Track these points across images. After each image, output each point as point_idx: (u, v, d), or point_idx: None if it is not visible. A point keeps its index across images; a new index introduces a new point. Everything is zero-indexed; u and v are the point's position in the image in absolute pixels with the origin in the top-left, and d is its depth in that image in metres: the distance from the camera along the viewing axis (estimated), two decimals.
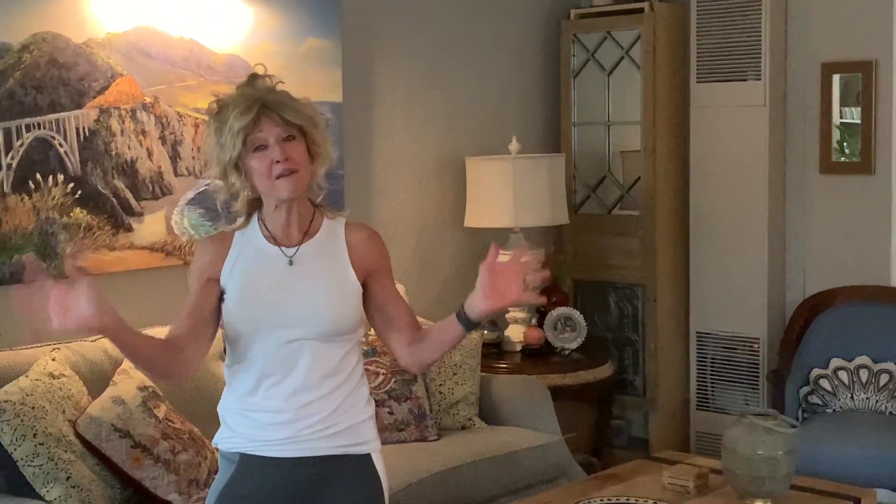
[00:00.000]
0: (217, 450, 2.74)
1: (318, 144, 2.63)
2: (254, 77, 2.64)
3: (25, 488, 3.36)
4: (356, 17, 5.03)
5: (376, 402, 2.87)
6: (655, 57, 5.58)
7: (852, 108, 5.35)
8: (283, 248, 2.66)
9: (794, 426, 3.70)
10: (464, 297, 5.46)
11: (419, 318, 4.84)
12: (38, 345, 3.80)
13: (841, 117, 5.39)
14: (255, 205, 2.69)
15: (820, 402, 4.99)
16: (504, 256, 5.45)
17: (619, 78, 5.77)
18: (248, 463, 2.66)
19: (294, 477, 2.66)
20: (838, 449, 4.48)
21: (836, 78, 5.35)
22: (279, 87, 2.63)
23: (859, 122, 5.32)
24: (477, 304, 2.55)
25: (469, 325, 2.60)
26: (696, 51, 5.56)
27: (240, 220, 2.73)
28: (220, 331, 2.72)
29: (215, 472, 3.52)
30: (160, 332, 4.05)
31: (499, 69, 5.71)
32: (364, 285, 2.71)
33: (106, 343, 3.90)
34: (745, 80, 5.43)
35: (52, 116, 4.04)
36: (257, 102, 2.54)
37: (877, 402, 4.90)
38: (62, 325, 2.28)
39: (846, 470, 4.30)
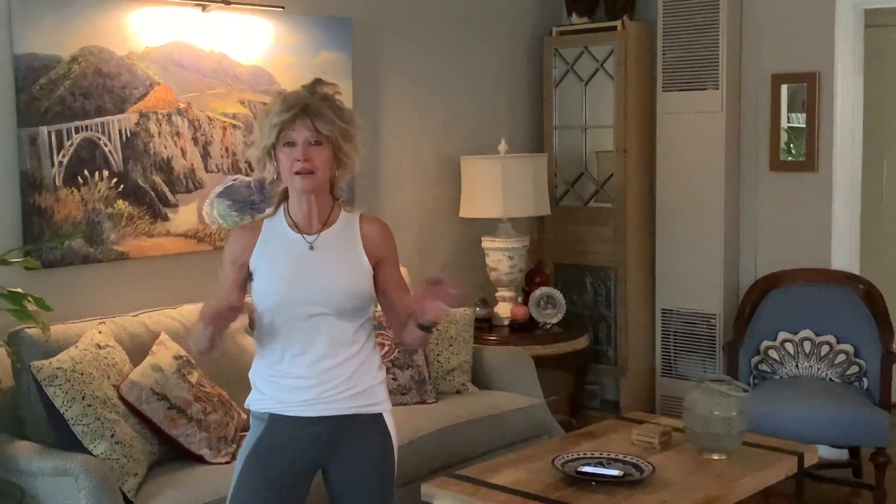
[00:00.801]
0: (249, 410, 2.75)
1: (347, 155, 2.65)
2: (317, 81, 2.67)
3: (75, 444, 3.36)
4: (364, 34, 5.02)
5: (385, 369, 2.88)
6: (626, 69, 5.58)
7: (798, 114, 5.35)
8: (305, 236, 2.68)
9: (745, 390, 3.70)
10: (458, 277, 5.52)
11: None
12: (86, 319, 3.82)
13: (788, 122, 5.39)
14: (285, 195, 2.71)
15: (769, 370, 5.00)
16: (491, 243, 5.50)
17: (594, 87, 5.76)
18: (276, 421, 2.68)
19: (316, 433, 2.68)
20: (784, 410, 4.49)
21: (784, 87, 5.35)
22: (334, 94, 2.65)
23: (804, 126, 5.32)
24: (417, 318, 2.63)
25: (424, 329, 2.68)
26: (661, 64, 5.56)
27: (268, 210, 2.75)
28: None
29: (242, 431, 3.56)
30: (194, 309, 4.10)
31: (489, 79, 5.71)
32: (373, 270, 2.73)
33: (144, 318, 3.93)
34: (704, 89, 5.43)
35: (98, 120, 4.04)
36: (299, 105, 2.57)
37: (818, 369, 4.91)
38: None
39: (791, 428, 4.31)
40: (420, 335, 2.72)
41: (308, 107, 2.57)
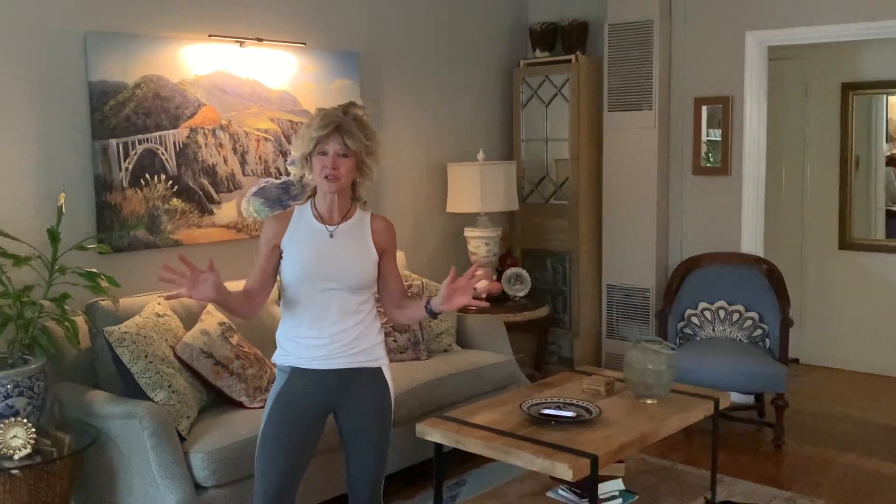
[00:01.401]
0: (275, 365, 2.76)
1: (368, 166, 2.68)
2: (351, 104, 2.69)
3: (140, 394, 3.37)
4: (369, 65, 5.01)
5: (385, 333, 2.89)
6: (579, 93, 5.58)
7: (715, 129, 5.36)
8: (327, 226, 2.70)
9: (673, 349, 3.72)
10: (445, 261, 5.51)
11: (415, 275, 4.90)
12: (148, 294, 3.81)
13: (707, 136, 5.39)
14: (314, 191, 2.73)
15: (691, 333, 5.03)
16: (471, 232, 5.52)
17: (553, 108, 5.75)
18: (297, 373, 2.69)
19: (328, 382, 2.69)
20: (704, 364, 4.52)
21: (704, 108, 5.35)
22: (363, 116, 2.67)
23: (720, 139, 5.33)
24: (438, 305, 2.65)
25: (432, 314, 2.72)
26: (607, 89, 5.55)
27: (300, 200, 2.76)
28: (276, 281, 2.77)
29: (272, 382, 3.56)
30: (236, 285, 4.09)
31: (470, 101, 5.70)
32: (378, 258, 2.75)
33: None
34: (640, 109, 5.43)
35: (157, 133, 4.03)
36: (334, 123, 2.60)
37: (730, 332, 4.94)
38: (188, 296, 2.50)
39: (709, 379, 4.34)
40: (421, 316, 2.77)
41: (341, 125, 2.60)
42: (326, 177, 2.60)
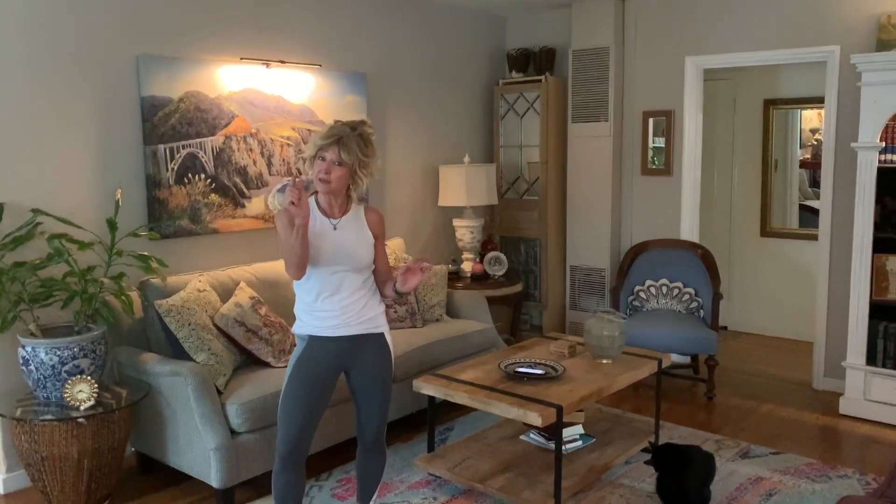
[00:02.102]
0: (295, 334, 2.75)
1: (360, 178, 2.64)
2: (362, 122, 2.66)
3: (184, 355, 3.36)
4: (375, 83, 4.97)
5: (386, 305, 2.88)
6: (548, 108, 5.54)
7: (660, 138, 5.34)
8: (331, 219, 2.67)
9: (624, 318, 3.73)
10: (437, 247, 5.49)
11: (411, 257, 4.88)
12: (191, 273, 3.79)
13: (653, 143, 5.38)
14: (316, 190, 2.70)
15: (639, 305, 5.04)
16: (459, 222, 5.49)
17: (527, 120, 5.73)
18: (313, 340, 2.68)
19: (341, 346, 2.69)
20: (649, 331, 4.52)
21: (650, 120, 5.34)
22: (370, 134, 2.63)
23: (663, 146, 5.32)
24: (399, 286, 2.68)
25: (398, 293, 2.73)
26: (571, 104, 5.52)
27: (308, 194, 2.73)
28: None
29: (294, 346, 3.55)
30: (268, 267, 4.08)
31: (458, 114, 5.67)
32: None
33: (230, 272, 3.89)
34: (598, 121, 5.41)
35: (198, 140, 3.99)
36: (337, 136, 2.57)
37: (671, 304, 4.95)
38: (297, 214, 2.46)
39: (653, 343, 4.35)
40: (392, 295, 2.76)
41: (342, 139, 2.57)
42: (320, 179, 2.59)
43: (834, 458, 3.77)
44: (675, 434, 4.01)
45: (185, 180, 3.96)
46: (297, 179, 2.50)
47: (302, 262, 2.55)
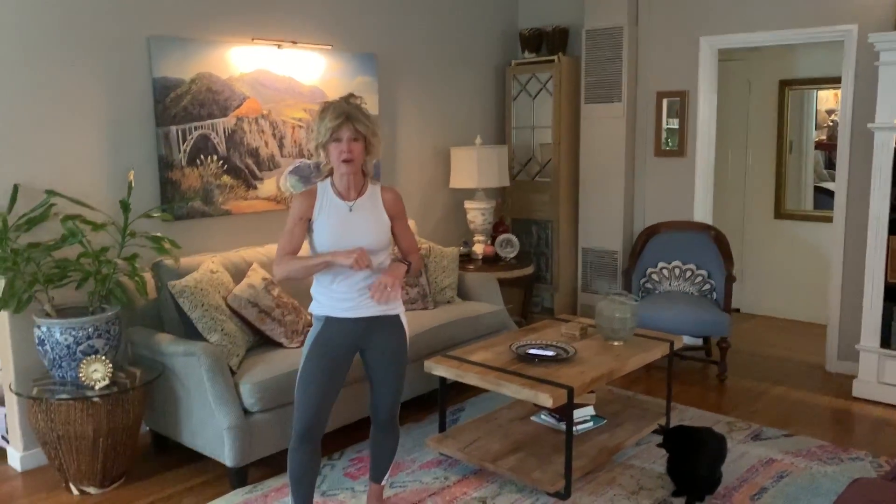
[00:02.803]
0: (311, 314, 2.75)
1: (374, 146, 2.64)
2: (350, 95, 2.65)
3: (197, 336, 3.38)
4: (386, 64, 4.95)
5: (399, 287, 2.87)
6: (561, 88, 5.51)
7: (673, 119, 5.30)
8: (346, 201, 2.66)
9: (636, 300, 3.72)
10: (448, 229, 5.48)
11: (423, 240, 4.89)
12: (203, 254, 3.81)
13: (667, 124, 5.33)
14: (331, 171, 2.69)
15: (651, 287, 5.02)
16: (470, 204, 5.48)
17: (539, 101, 5.69)
18: (330, 321, 2.69)
19: (356, 327, 2.69)
20: (661, 313, 4.51)
21: (664, 100, 5.29)
22: (361, 104, 2.63)
23: (677, 127, 5.27)
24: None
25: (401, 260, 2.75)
26: (584, 84, 5.48)
27: (320, 178, 2.73)
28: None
29: (307, 327, 3.57)
30: (276, 248, 4.07)
31: (469, 95, 5.64)
32: (391, 222, 2.73)
33: (242, 253, 3.91)
34: (612, 101, 5.37)
35: (210, 121, 3.99)
36: (344, 114, 2.55)
37: (684, 286, 4.93)
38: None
39: (665, 325, 4.35)
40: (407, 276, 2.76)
41: (349, 114, 2.56)
42: (344, 160, 2.57)
43: (846, 440, 3.76)
44: (687, 416, 4.00)
45: (198, 162, 3.96)
46: (365, 262, 2.54)
47: (292, 280, 2.70)
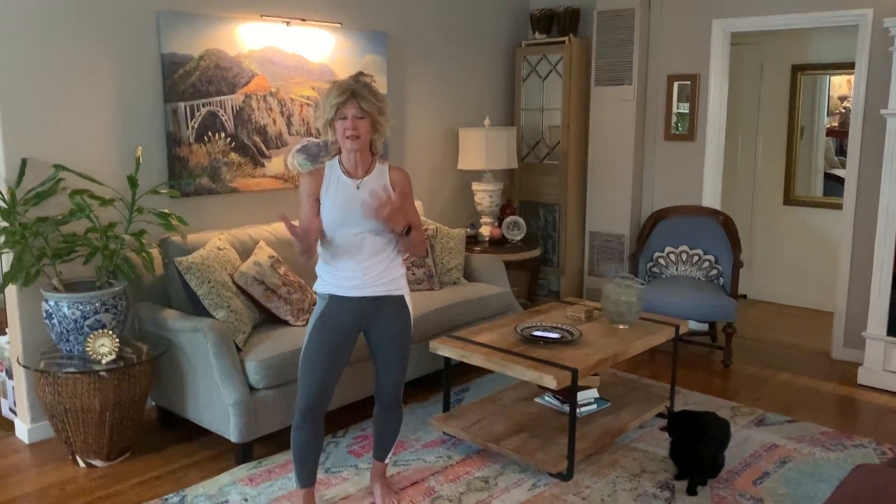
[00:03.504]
0: (316, 292, 2.75)
1: (380, 125, 2.61)
2: (359, 73, 2.62)
3: (204, 312, 3.39)
4: (396, 43, 4.92)
5: (405, 268, 2.87)
6: (571, 70, 5.47)
7: (684, 103, 5.26)
8: (353, 179, 2.65)
9: (642, 284, 3.71)
10: (455, 211, 5.45)
11: (430, 221, 4.87)
12: (210, 231, 3.82)
13: (677, 108, 5.29)
14: (339, 150, 2.68)
15: (658, 272, 5.01)
16: (478, 186, 5.46)
17: (549, 82, 5.66)
18: (334, 299, 2.69)
19: (361, 307, 2.69)
20: (667, 297, 4.50)
21: (675, 84, 5.25)
22: (371, 82, 2.60)
23: (688, 111, 5.23)
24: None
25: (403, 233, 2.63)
26: (594, 67, 5.44)
27: (327, 159, 2.72)
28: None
29: (313, 305, 3.57)
30: (282, 226, 4.07)
31: (479, 76, 5.60)
32: None
33: (249, 231, 3.92)
34: (622, 84, 5.33)
35: (218, 98, 3.98)
36: (349, 90, 2.53)
37: (690, 271, 4.92)
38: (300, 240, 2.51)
39: (671, 309, 4.34)
40: (404, 240, 2.65)
41: (355, 91, 2.54)
42: (348, 137, 2.56)
43: (850, 427, 3.75)
44: (691, 400, 4.01)
45: (205, 139, 3.96)
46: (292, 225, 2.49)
47: (307, 257, 2.63)
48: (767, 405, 4.00)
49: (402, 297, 2.76)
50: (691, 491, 3.05)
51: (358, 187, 2.64)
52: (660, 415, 3.21)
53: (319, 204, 2.66)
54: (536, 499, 3.00)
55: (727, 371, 4.56)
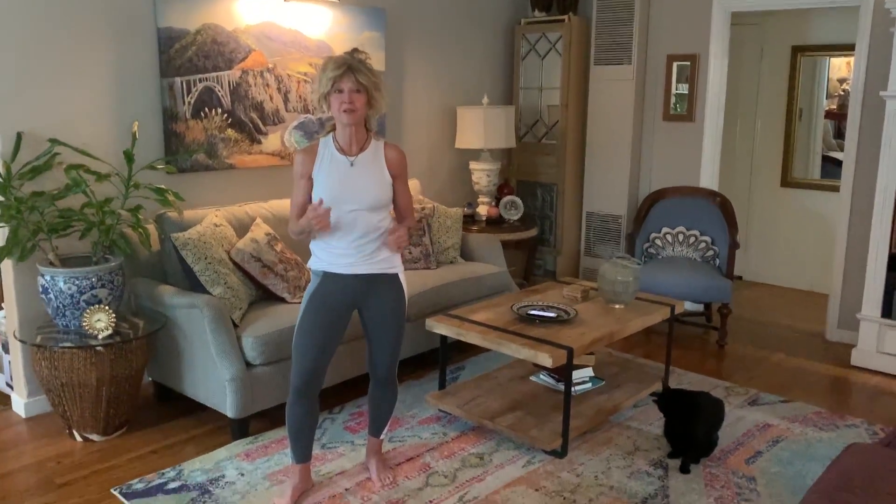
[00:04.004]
0: (310, 269, 2.75)
1: (376, 100, 2.60)
2: (354, 50, 2.61)
3: (200, 288, 3.39)
4: (394, 19, 4.88)
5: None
6: (570, 49, 5.43)
7: (683, 84, 5.24)
8: (347, 156, 2.64)
9: (639, 264, 3.71)
10: (453, 190, 5.44)
11: (427, 200, 4.87)
12: (207, 207, 3.80)
13: (676, 88, 5.27)
14: (333, 127, 2.66)
15: (655, 252, 5.01)
16: (476, 165, 5.44)
17: (548, 61, 5.62)
18: (328, 276, 2.69)
19: (354, 284, 2.69)
20: (664, 278, 4.51)
21: (674, 64, 5.22)
22: (366, 59, 2.59)
23: (687, 92, 5.21)
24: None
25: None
26: (594, 46, 5.41)
27: (322, 134, 2.71)
28: None
29: (309, 282, 3.57)
30: (283, 203, 4.08)
31: (478, 54, 5.57)
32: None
33: (246, 207, 3.91)
34: (621, 64, 5.30)
35: (214, 74, 3.95)
36: (346, 64, 2.52)
37: (687, 252, 4.93)
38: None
39: (667, 290, 4.34)
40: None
41: (351, 66, 2.52)
42: (345, 111, 2.54)
43: (843, 407, 3.78)
44: (685, 380, 4.03)
45: (202, 114, 3.93)
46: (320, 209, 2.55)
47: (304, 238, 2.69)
48: (761, 385, 4.02)
49: (395, 276, 2.76)
50: (684, 469, 3.07)
51: (352, 164, 2.63)
52: (653, 396, 3.22)
53: (312, 184, 2.65)
54: (531, 475, 3.02)
55: (722, 351, 4.58)
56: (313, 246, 2.73)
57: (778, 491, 2.93)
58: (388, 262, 2.72)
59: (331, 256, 2.67)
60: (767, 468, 3.11)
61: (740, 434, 3.42)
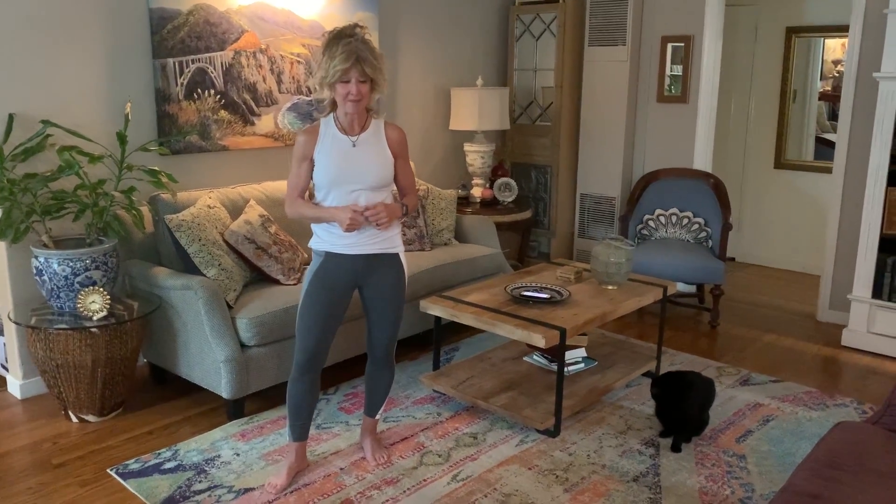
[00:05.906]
0: (312, 249, 2.76)
1: (379, 85, 2.60)
2: (356, 26, 2.59)
3: (194, 270, 3.38)
4: (387, 0, 4.85)
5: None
6: (565, 30, 5.41)
7: (677, 65, 5.22)
8: (349, 136, 2.64)
9: (632, 246, 3.71)
10: (447, 171, 5.43)
11: (422, 181, 4.86)
12: (201, 189, 3.79)
13: (670, 70, 5.26)
14: (333, 106, 2.66)
15: (648, 234, 5.02)
16: (470, 147, 5.42)
17: (543, 42, 5.59)
18: (330, 256, 2.70)
19: (356, 264, 2.70)
20: (657, 259, 4.52)
21: (669, 45, 5.20)
22: (366, 34, 2.57)
23: (681, 73, 5.20)
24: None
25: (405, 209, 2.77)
26: (588, 27, 5.38)
27: (324, 115, 2.70)
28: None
29: (304, 265, 3.57)
30: (277, 186, 4.07)
31: (472, 35, 5.54)
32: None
33: (239, 189, 3.90)
34: (616, 45, 5.28)
35: (207, 55, 3.92)
36: (354, 55, 2.50)
37: (680, 234, 4.93)
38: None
39: (660, 271, 4.36)
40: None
41: (360, 56, 2.51)
42: (351, 101, 2.55)
43: (833, 387, 3.81)
44: (677, 360, 4.05)
45: (195, 96, 3.91)
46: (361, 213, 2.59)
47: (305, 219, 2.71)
48: (752, 365, 4.05)
49: (396, 255, 2.76)
50: (676, 448, 3.10)
51: (354, 144, 2.63)
52: (647, 373, 3.24)
53: (312, 166, 2.65)
54: (524, 454, 3.05)
55: (714, 332, 4.61)
56: (315, 226, 2.73)
57: (768, 469, 2.97)
58: (390, 242, 2.73)
59: (332, 237, 2.68)
60: (758, 447, 3.14)
61: (731, 413, 3.45)
